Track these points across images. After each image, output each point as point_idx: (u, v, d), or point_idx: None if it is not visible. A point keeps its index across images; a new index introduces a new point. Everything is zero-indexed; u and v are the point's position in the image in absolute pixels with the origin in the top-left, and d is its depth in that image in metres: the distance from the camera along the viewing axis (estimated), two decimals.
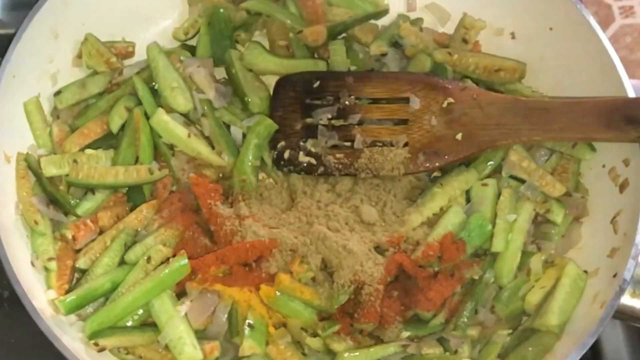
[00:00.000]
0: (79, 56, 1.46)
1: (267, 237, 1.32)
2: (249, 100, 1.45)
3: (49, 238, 1.32)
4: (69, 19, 1.41)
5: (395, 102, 1.41)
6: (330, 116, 1.42)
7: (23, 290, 1.18)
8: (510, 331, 1.31)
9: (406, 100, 1.40)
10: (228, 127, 1.45)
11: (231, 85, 1.48)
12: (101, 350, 1.24)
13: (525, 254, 1.36)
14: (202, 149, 1.40)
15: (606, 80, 1.34)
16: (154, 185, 1.41)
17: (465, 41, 1.50)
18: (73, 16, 1.42)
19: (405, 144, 1.39)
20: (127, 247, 1.34)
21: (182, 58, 1.47)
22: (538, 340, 1.27)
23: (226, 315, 1.29)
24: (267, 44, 1.53)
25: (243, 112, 1.46)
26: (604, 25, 1.85)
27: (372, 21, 1.54)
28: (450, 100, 1.37)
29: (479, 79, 1.47)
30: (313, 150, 1.42)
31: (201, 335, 1.29)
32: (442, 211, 1.37)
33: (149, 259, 1.31)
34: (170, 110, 1.42)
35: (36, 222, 1.30)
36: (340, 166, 1.41)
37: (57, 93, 1.42)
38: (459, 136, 1.36)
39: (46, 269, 1.31)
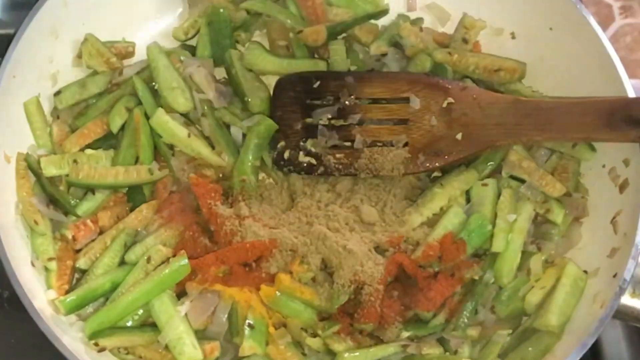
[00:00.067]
0: (79, 56, 1.46)
1: (267, 237, 1.32)
2: (249, 100, 1.45)
3: (49, 238, 1.32)
4: (69, 19, 1.41)
5: (395, 102, 1.41)
6: (330, 116, 1.42)
7: (23, 290, 1.18)
8: (510, 331, 1.31)
9: (406, 100, 1.40)
10: (228, 127, 1.45)
11: (231, 85, 1.48)
12: (101, 350, 1.24)
13: (525, 254, 1.36)
14: (202, 149, 1.40)
15: (606, 80, 1.34)
16: (154, 186, 1.41)
17: (465, 41, 1.50)
18: (73, 16, 1.42)
19: (405, 144, 1.39)
20: (127, 247, 1.34)
21: (182, 58, 1.48)
22: (538, 340, 1.28)
23: (226, 315, 1.29)
24: (267, 44, 1.53)
25: (243, 112, 1.46)
26: (604, 25, 1.85)
27: (372, 21, 1.54)
28: (450, 100, 1.37)
29: (479, 79, 1.47)
30: (313, 150, 1.42)
31: (201, 335, 1.29)
32: (442, 211, 1.37)
33: (149, 259, 1.31)
34: (170, 110, 1.42)
35: (36, 222, 1.30)
36: (340, 166, 1.41)
37: (57, 93, 1.42)
38: (459, 136, 1.36)
39: (46, 269, 1.31)
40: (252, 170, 1.41)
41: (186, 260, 1.28)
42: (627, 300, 1.24)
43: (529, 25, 1.48)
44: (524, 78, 1.48)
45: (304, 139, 1.43)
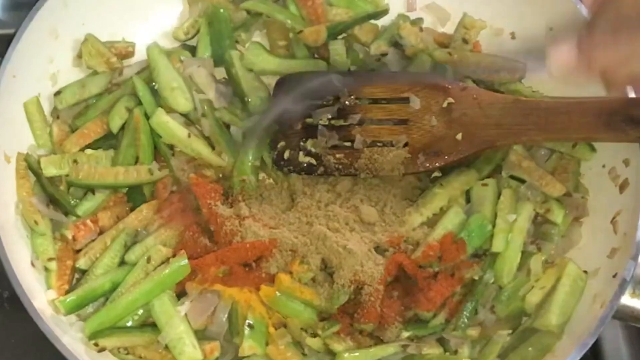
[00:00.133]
0: (79, 56, 1.46)
1: (267, 237, 1.32)
2: (249, 100, 1.45)
3: (49, 238, 1.32)
4: (69, 19, 1.41)
5: (395, 102, 1.41)
6: (330, 116, 1.42)
7: (23, 290, 1.18)
8: (510, 331, 1.31)
9: (406, 100, 1.40)
10: (228, 127, 1.45)
11: (231, 86, 1.48)
12: (101, 350, 1.24)
13: (525, 254, 1.36)
14: (202, 149, 1.40)
15: None
16: (154, 186, 1.41)
17: (465, 41, 1.50)
18: (73, 16, 1.42)
19: (406, 144, 1.39)
20: (127, 247, 1.34)
21: (182, 58, 1.48)
22: (538, 340, 1.27)
23: (226, 316, 1.30)
24: (267, 44, 1.54)
25: (243, 112, 1.46)
26: None
27: (372, 21, 1.54)
28: (451, 100, 1.37)
29: (479, 79, 1.47)
30: (313, 150, 1.42)
31: (201, 335, 1.29)
32: (442, 211, 1.37)
33: (149, 259, 1.31)
34: (170, 110, 1.42)
35: (36, 222, 1.30)
36: (340, 166, 1.41)
37: (57, 93, 1.42)
38: (459, 136, 1.36)
39: (46, 269, 1.31)
40: (252, 170, 1.41)
41: (186, 260, 1.28)
42: (627, 300, 1.24)
43: (529, 25, 1.48)
44: (524, 78, 1.48)
45: (304, 139, 1.43)
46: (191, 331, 1.27)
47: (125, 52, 1.50)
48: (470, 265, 1.33)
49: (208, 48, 1.50)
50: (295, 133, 1.43)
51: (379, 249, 1.34)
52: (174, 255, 1.31)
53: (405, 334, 1.30)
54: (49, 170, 1.35)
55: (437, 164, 1.38)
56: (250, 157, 1.41)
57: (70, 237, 1.33)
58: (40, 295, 1.26)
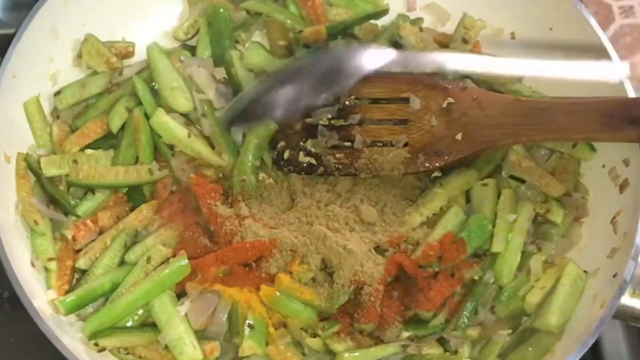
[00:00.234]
0: (79, 56, 1.46)
1: (267, 237, 1.32)
2: None
3: (49, 238, 1.32)
4: (69, 19, 1.41)
5: (395, 102, 1.41)
6: (330, 116, 1.42)
7: (23, 291, 1.18)
8: (510, 331, 1.31)
9: (406, 100, 1.40)
10: None
11: (231, 85, 1.48)
12: (101, 350, 1.24)
13: (525, 254, 1.36)
14: (202, 149, 1.40)
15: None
16: (154, 186, 1.41)
17: (465, 41, 1.50)
18: (73, 16, 1.42)
19: (405, 144, 1.39)
20: (127, 247, 1.34)
21: (182, 58, 1.48)
22: (538, 340, 1.27)
23: (226, 316, 1.30)
24: (267, 44, 1.54)
25: None
26: (604, 25, 1.85)
27: (372, 21, 1.54)
28: (450, 100, 1.37)
29: (479, 79, 1.47)
30: (313, 150, 1.42)
31: (201, 335, 1.29)
32: (442, 211, 1.37)
33: (149, 259, 1.31)
34: (170, 110, 1.42)
35: (36, 222, 1.30)
36: (340, 166, 1.41)
37: (57, 93, 1.42)
38: (459, 136, 1.36)
39: (46, 269, 1.31)
40: (252, 170, 1.41)
41: (186, 260, 1.28)
42: (627, 300, 1.24)
43: (529, 25, 1.48)
44: (524, 78, 1.47)
45: (304, 139, 1.43)
46: (191, 331, 1.27)
47: (125, 52, 1.50)
48: (470, 265, 1.34)
49: (208, 48, 1.51)
50: (295, 133, 1.43)
51: (379, 249, 1.34)
52: (174, 255, 1.31)
53: (405, 334, 1.30)
54: (49, 170, 1.35)
55: (437, 164, 1.38)
56: (250, 157, 1.41)
57: (70, 237, 1.33)
58: (40, 295, 1.26)
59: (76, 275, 1.34)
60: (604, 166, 1.37)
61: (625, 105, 1.25)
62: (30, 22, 1.33)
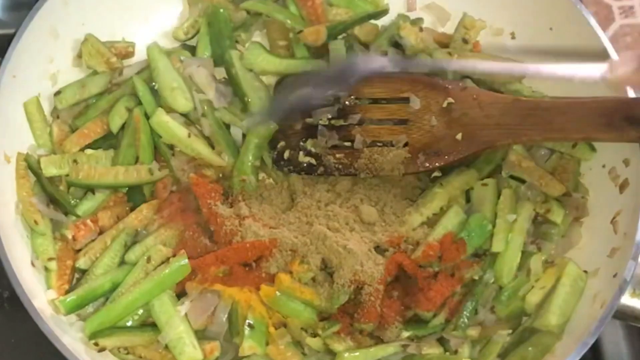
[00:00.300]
0: (79, 56, 1.46)
1: (267, 237, 1.32)
2: (249, 100, 1.45)
3: (49, 238, 1.32)
4: (69, 19, 1.41)
5: (395, 102, 1.41)
6: (330, 116, 1.42)
7: (23, 290, 1.18)
8: (510, 331, 1.31)
9: (406, 100, 1.40)
10: (228, 127, 1.45)
11: (231, 85, 1.48)
12: (101, 350, 1.24)
13: (525, 254, 1.36)
14: (202, 149, 1.40)
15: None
16: (154, 185, 1.41)
17: (465, 41, 1.50)
18: (73, 16, 1.42)
19: (406, 144, 1.39)
20: (127, 247, 1.34)
21: (182, 58, 1.48)
22: (538, 340, 1.27)
23: (226, 315, 1.30)
24: (267, 44, 1.54)
25: (243, 112, 1.46)
26: (604, 25, 1.85)
27: (372, 21, 1.54)
28: (451, 100, 1.37)
29: (479, 79, 1.47)
30: (313, 150, 1.42)
31: (201, 335, 1.29)
32: (442, 211, 1.37)
33: (149, 259, 1.31)
34: (170, 110, 1.42)
35: (36, 222, 1.30)
36: (340, 166, 1.41)
37: (57, 93, 1.42)
38: (459, 136, 1.36)
39: (46, 269, 1.31)
40: (252, 170, 1.41)
41: (186, 260, 1.28)
42: (627, 300, 1.24)
43: (529, 25, 1.48)
44: (524, 78, 1.47)
45: (304, 139, 1.43)
46: (191, 331, 1.27)
47: (125, 52, 1.50)
48: (470, 265, 1.34)
49: (208, 48, 1.51)
50: (295, 133, 1.44)
51: (379, 249, 1.34)
52: (174, 255, 1.31)
53: (405, 334, 1.30)
54: (49, 170, 1.35)
55: (437, 164, 1.38)
56: (250, 157, 1.41)
57: (70, 237, 1.33)
58: (40, 295, 1.26)
59: (76, 275, 1.34)
60: (604, 166, 1.37)
61: (625, 105, 1.25)
62: (30, 22, 1.33)
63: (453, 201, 1.38)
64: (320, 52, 1.52)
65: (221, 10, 1.49)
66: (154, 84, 1.45)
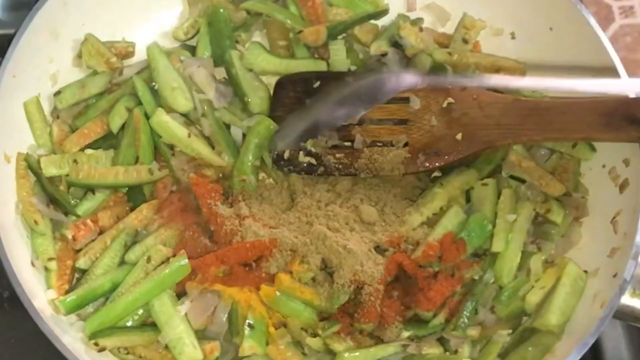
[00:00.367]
0: (79, 56, 1.46)
1: (267, 237, 1.32)
2: (249, 100, 1.45)
3: (49, 238, 1.32)
4: (69, 19, 1.41)
5: (395, 102, 1.41)
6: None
7: (23, 290, 1.18)
8: (510, 331, 1.31)
9: (406, 100, 1.40)
10: (228, 127, 1.45)
11: (231, 85, 1.48)
12: (101, 350, 1.24)
13: (525, 254, 1.36)
14: (202, 149, 1.40)
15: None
16: (154, 185, 1.41)
17: (465, 41, 1.50)
18: (73, 16, 1.42)
19: (406, 144, 1.39)
20: (127, 247, 1.34)
21: (182, 58, 1.48)
22: (538, 340, 1.27)
23: (226, 315, 1.30)
24: (267, 44, 1.54)
25: (243, 112, 1.46)
26: (604, 25, 1.85)
27: (372, 21, 1.54)
28: (451, 100, 1.37)
29: None
30: (313, 150, 1.42)
31: (201, 335, 1.29)
32: (442, 211, 1.37)
33: (149, 259, 1.31)
34: (170, 110, 1.42)
35: (36, 222, 1.30)
36: (340, 166, 1.41)
37: (57, 93, 1.42)
38: (459, 136, 1.36)
39: (46, 269, 1.31)
40: (252, 170, 1.41)
41: (186, 260, 1.28)
42: (627, 300, 1.24)
43: (529, 25, 1.48)
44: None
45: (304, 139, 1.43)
46: (191, 331, 1.27)
47: (125, 52, 1.50)
48: (470, 265, 1.34)
49: (208, 48, 1.51)
50: None
51: (379, 249, 1.34)
52: (174, 255, 1.31)
53: (405, 334, 1.30)
54: (49, 170, 1.35)
55: (437, 164, 1.38)
56: (250, 157, 1.41)
57: (70, 237, 1.33)
58: (40, 295, 1.26)
59: (76, 275, 1.34)
60: (604, 166, 1.37)
61: (625, 105, 1.25)
62: (30, 22, 1.33)
63: (453, 201, 1.38)
64: (320, 52, 1.52)
65: (221, 10, 1.49)
66: (154, 84, 1.45)
